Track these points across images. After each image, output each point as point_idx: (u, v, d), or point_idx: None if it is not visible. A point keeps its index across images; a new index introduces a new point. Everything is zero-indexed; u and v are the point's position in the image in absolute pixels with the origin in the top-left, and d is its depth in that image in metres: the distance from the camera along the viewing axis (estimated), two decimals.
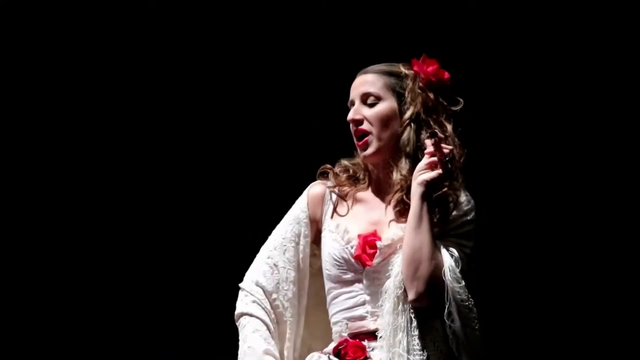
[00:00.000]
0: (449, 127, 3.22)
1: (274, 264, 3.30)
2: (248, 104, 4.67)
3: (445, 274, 3.08)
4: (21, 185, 4.70)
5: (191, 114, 4.70)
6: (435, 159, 3.11)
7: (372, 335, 3.19)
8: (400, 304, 3.12)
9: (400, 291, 3.13)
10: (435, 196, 3.13)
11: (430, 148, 3.11)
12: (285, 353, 3.28)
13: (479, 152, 3.35)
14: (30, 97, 4.70)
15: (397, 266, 3.15)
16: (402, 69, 3.28)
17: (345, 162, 3.36)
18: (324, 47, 4.57)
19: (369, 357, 3.17)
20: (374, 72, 3.30)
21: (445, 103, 3.25)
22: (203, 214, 4.68)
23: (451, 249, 3.13)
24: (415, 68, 3.26)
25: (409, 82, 3.26)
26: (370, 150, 3.27)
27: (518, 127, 4.51)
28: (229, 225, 4.64)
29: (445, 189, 3.14)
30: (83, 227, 4.71)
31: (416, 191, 3.12)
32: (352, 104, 3.30)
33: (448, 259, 3.10)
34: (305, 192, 3.38)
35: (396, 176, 3.23)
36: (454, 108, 3.25)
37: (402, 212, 3.21)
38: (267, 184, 4.60)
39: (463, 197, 3.21)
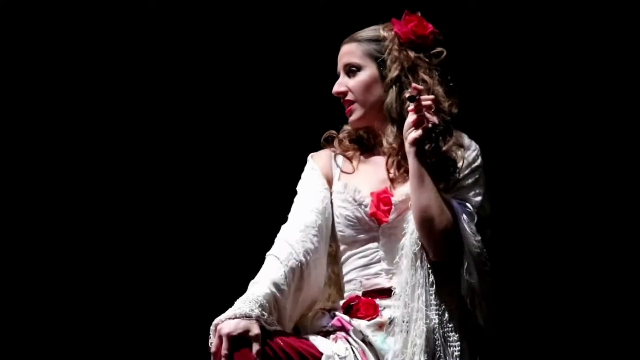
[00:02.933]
0: (432, 81, 3.21)
1: (306, 225, 3.25)
2: (249, 103, 4.68)
3: (462, 230, 3.08)
4: (21, 186, 4.71)
5: (193, 113, 4.71)
6: (418, 115, 3.09)
7: (385, 293, 3.20)
8: (418, 260, 3.13)
9: (417, 247, 3.14)
10: (437, 152, 3.12)
11: (412, 105, 3.10)
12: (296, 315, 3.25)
13: (483, 151, 3.35)
14: (30, 97, 4.71)
15: (412, 223, 3.14)
16: (382, 32, 3.30)
17: (348, 127, 3.38)
18: (324, 47, 4.58)
19: (380, 316, 3.18)
20: (354, 40, 3.33)
21: (427, 60, 3.25)
22: (205, 215, 4.69)
23: (465, 203, 3.13)
24: (395, 29, 3.28)
25: (389, 44, 3.27)
26: (354, 116, 3.31)
27: (521, 126, 4.52)
28: (230, 225, 4.65)
29: (438, 140, 3.13)
30: (83, 227, 4.71)
31: (409, 152, 3.12)
32: (339, 75, 3.33)
33: (461, 213, 3.10)
34: (309, 162, 3.38)
35: (384, 144, 3.25)
36: (436, 61, 3.25)
37: (406, 171, 3.19)
38: (266, 186, 4.61)
39: (466, 144, 3.21)
